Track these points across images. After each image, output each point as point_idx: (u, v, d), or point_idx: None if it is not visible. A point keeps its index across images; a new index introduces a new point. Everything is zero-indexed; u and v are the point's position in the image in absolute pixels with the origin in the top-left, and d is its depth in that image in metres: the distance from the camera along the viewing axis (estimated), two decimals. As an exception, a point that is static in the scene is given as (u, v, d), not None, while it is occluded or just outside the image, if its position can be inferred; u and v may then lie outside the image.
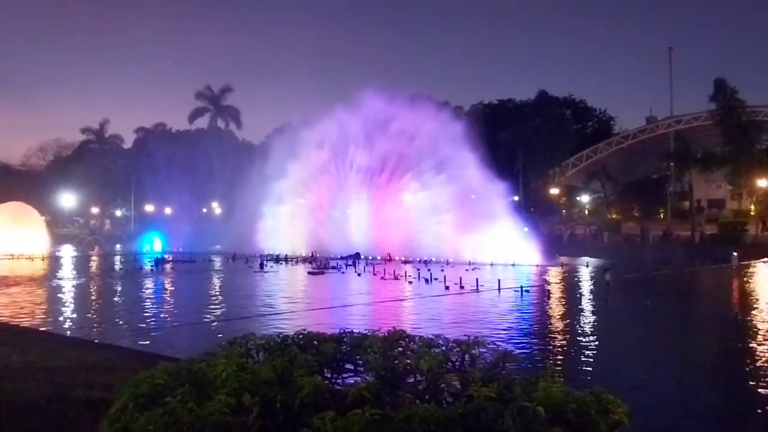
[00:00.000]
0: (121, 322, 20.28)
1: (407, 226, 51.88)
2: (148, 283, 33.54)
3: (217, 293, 30.80)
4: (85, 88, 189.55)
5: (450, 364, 4.35)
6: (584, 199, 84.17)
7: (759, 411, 10.77)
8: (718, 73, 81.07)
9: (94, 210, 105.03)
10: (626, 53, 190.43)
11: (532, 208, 77.75)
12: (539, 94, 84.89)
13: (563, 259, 46.38)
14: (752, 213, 72.74)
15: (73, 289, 30.80)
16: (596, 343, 16.86)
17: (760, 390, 11.84)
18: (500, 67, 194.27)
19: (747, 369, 13.82)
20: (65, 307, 24.60)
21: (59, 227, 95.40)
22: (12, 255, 51.74)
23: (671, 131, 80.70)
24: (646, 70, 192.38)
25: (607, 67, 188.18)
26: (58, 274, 38.95)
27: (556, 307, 24.79)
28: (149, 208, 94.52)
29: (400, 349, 4.63)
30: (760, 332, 17.96)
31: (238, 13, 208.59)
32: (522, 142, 73.85)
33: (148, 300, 27.15)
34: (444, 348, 4.57)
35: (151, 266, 44.06)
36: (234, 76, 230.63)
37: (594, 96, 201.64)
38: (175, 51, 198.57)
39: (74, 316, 22.15)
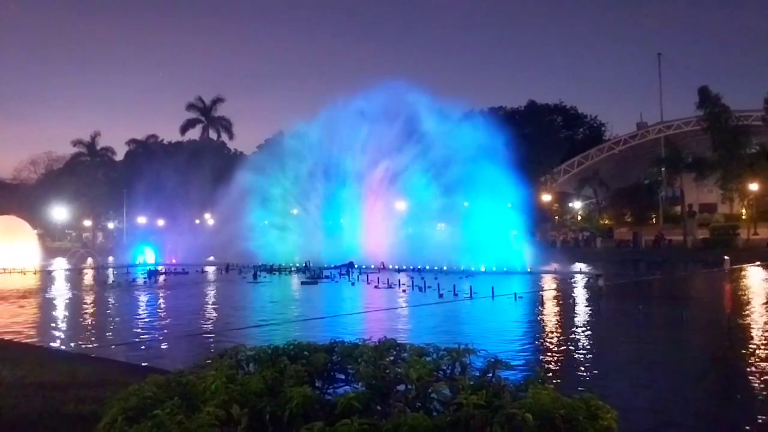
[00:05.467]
0: (113, 335, 20.15)
1: (400, 235, 51.87)
2: (141, 296, 33.36)
3: (211, 305, 30.67)
4: (76, 100, 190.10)
5: (440, 372, 4.35)
6: (576, 205, 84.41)
7: (748, 413, 10.80)
8: (707, 78, 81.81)
9: (87, 223, 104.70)
10: (616, 59, 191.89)
11: (525, 215, 77.81)
12: (529, 102, 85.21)
13: (556, 265, 46.44)
14: (744, 217, 73.07)
15: (65, 302, 30.61)
16: (589, 348, 16.87)
17: (756, 397, 11.86)
18: (490, 75, 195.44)
19: (739, 373, 13.86)
20: (57, 320, 24.43)
21: (51, 240, 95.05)
22: (4, 269, 51.41)
23: (662, 136, 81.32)
24: (635, 76, 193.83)
25: (597, 74, 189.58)
26: (50, 287, 38.70)
27: (549, 313, 24.81)
28: (141, 220, 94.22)
29: (391, 358, 4.64)
30: (754, 337, 18.03)
31: (228, 25, 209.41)
32: (513, 150, 73.92)
33: (140, 312, 26.98)
34: (435, 356, 4.57)
35: (144, 278, 43.84)
36: (225, 87, 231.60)
37: (584, 102, 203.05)
38: (166, 63, 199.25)
39: (66, 329, 22.00)
